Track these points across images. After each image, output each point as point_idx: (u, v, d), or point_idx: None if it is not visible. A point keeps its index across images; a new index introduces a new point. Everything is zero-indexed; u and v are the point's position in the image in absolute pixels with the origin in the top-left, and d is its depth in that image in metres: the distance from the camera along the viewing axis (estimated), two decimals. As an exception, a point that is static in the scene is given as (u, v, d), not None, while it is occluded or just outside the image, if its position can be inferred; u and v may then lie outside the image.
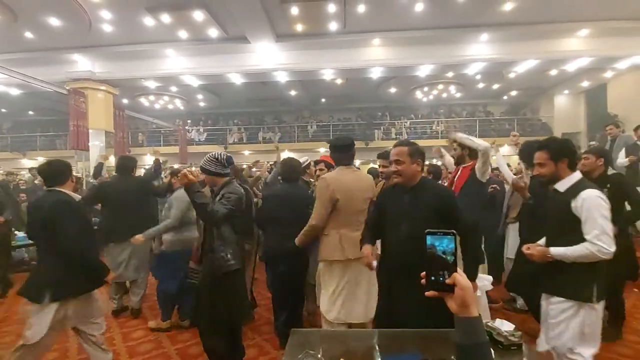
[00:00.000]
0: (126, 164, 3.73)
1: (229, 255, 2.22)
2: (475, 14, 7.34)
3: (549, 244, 1.85)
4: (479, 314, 0.77)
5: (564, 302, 1.76)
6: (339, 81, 11.54)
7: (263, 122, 15.66)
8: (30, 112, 15.55)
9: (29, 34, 7.82)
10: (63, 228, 2.04)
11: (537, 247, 1.88)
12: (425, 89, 12.86)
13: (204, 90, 12.66)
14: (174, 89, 12.22)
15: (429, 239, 0.76)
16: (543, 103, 14.41)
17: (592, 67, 9.74)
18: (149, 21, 7.36)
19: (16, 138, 15.23)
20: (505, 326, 1.47)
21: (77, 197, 2.30)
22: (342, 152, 2.47)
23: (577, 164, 1.89)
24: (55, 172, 2.20)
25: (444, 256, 0.75)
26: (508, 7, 7.06)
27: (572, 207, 1.71)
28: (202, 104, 14.77)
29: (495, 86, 13.10)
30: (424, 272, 0.78)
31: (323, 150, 14.29)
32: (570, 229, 1.73)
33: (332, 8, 6.97)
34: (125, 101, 12.62)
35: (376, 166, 3.54)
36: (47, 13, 6.97)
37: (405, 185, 1.88)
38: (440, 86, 12.58)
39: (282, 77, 9.95)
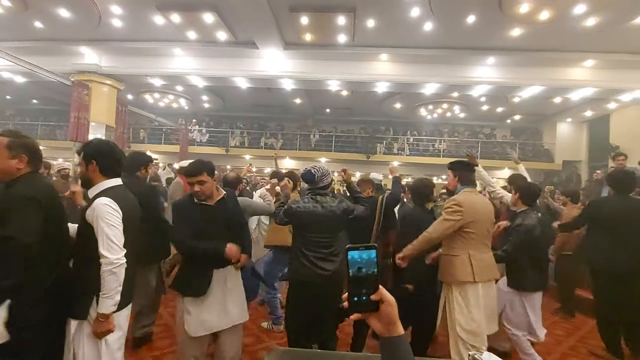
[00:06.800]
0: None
1: None
2: (483, 37, 7.38)
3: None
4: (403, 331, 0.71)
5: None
6: (344, 93, 11.57)
7: (266, 128, 15.68)
8: (34, 101, 15.58)
9: (38, 24, 7.85)
10: None
11: None
12: (430, 106, 12.88)
13: (209, 91, 12.69)
14: (179, 88, 12.25)
15: (351, 255, 0.68)
16: (546, 129, 14.45)
17: (596, 98, 9.78)
18: (158, 19, 7.39)
19: (17, 125, 15.21)
20: (493, 361, 1.39)
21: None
22: (462, 172, 2.60)
23: (115, 169, 1.77)
24: None
25: (367, 273, 0.68)
26: (516, 32, 7.10)
27: (87, 215, 1.62)
28: (206, 105, 14.80)
29: (500, 109, 13.13)
30: (346, 294, 0.70)
31: (324, 160, 14.29)
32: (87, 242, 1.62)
33: (341, 21, 7.02)
34: (129, 97, 12.64)
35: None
36: (58, 4, 7.00)
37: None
38: (445, 105, 12.60)
39: (287, 85, 9.98)
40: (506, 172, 14.08)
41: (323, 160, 14.33)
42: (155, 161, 9.45)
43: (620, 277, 2.85)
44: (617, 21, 6.45)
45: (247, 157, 14.80)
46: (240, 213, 2.42)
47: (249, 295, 2.95)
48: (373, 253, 0.69)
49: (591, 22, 6.48)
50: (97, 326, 1.56)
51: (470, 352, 1.32)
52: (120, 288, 1.59)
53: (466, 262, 2.39)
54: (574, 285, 4.39)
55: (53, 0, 6.86)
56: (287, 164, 14.82)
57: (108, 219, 1.57)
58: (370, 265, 0.68)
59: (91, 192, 1.70)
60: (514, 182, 3.36)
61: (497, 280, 2.60)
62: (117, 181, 1.76)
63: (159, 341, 3.09)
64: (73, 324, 1.59)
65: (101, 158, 1.70)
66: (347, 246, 0.69)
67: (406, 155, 14.09)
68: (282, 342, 3.21)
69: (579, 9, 6.09)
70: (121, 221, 1.63)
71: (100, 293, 1.55)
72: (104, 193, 1.66)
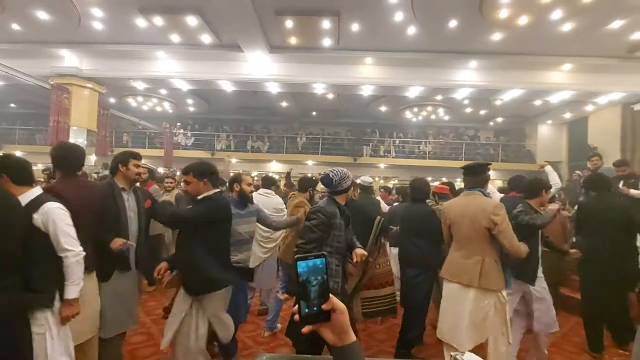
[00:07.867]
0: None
1: None
2: (465, 41, 7.53)
3: None
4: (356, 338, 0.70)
5: None
6: (330, 96, 11.62)
7: (252, 131, 15.59)
8: (12, 105, 15.09)
9: (15, 26, 7.61)
10: None
11: None
12: (415, 109, 13.06)
13: (194, 95, 12.54)
14: (163, 91, 12.07)
15: (301, 266, 0.66)
16: (528, 131, 14.81)
17: (574, 100, 10.09)
18: (141, 22, 7.27)
19: (-6, 130, 14.72)
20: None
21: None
22: (465, 177, 2.66)
23: (27, 179, 1.85)
24: None
25: (317, 282, 0.67)
26: (496, 37, 7.28)
27: (34, 219, 1.74)
28: (191, 108, 14.62)
29: (482, 112, 13.42)
30: (297, 307, 0.68)
31: (311, 162, 14.29)
32: None
33: (326, 24, 7.05)
34: (112, 100, 12.38)
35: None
36: (36, 6, 6.81)
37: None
38: (429, 108, 12.80)
39: (273, 88, 9.95)
40: (490, 173, 14.33)
41: (310, 163, 14.34)
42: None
43: (607, 276, 3.05)
44: (592, 26, 6.68)
45: (234, 160, 14.69)
46: (211, 220, 2.29)
47: (240, 314, 2.79)
48: (322, 261, 0.67)
49: (568, 27, 6.70)
50: (68, 310, 1.78)
51: (452, 353, 1.34)
52: (83, 275, 1.84)
53: (447, 260, 2.61)
54: (557, 283, 4.49)
55: (31, 2, 6.67)
56: (274, 167, 14.77)
57: (65, 219, 1.79)
58: (320, 275, 0.67)
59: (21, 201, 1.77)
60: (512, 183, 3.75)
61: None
62: (39, 190, 1.86)
63: (142, 350, 3.02)
64: (44, 316, 1.71)
65: (9, 171, 1.79)
66: (296, 257, 0.67)
67: (392, 157, 14.24)
68: (269, 348, 3.18)
69: (556, 14, 6.29)
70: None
71: (68, 282, 1.78)
72: (41, 199, 1.78)
